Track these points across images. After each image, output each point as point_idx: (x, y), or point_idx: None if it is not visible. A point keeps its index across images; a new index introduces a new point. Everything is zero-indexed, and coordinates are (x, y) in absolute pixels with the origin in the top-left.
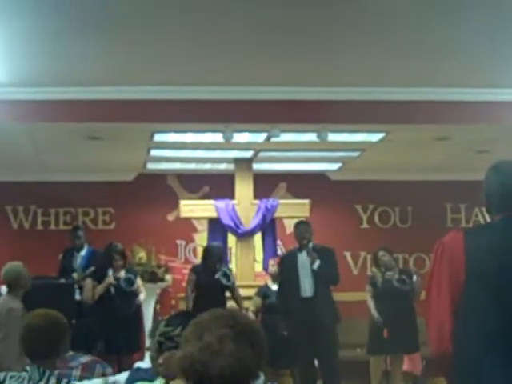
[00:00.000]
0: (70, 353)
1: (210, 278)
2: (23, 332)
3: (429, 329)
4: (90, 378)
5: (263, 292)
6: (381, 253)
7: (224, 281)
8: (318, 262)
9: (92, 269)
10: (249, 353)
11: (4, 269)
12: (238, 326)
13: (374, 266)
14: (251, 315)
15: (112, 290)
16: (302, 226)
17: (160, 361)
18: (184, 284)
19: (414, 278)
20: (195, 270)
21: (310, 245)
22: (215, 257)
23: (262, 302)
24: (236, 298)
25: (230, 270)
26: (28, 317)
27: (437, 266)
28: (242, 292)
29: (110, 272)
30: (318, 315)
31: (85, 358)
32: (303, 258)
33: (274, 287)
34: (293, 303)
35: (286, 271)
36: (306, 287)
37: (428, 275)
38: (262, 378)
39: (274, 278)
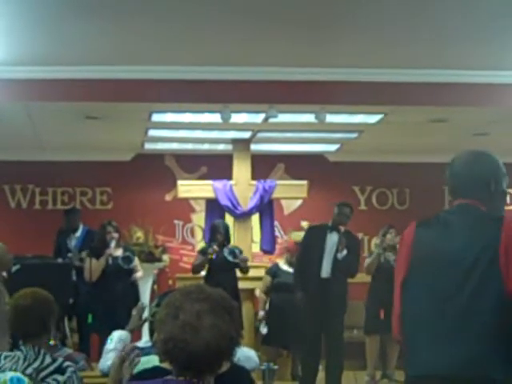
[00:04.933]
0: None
1: (218, 256)
2: (12, 313)
3: None
4: None
5: (273, 271)
6: (390, 230)
7: (230, 258)
8: (344, 253)
9: (85, 254)
10: (228, 322)
11: None
12: (210, 299)
13: (380, 242)
14: (260, 294)
15: (110, 262)
16: (347, 209)
17: (153, 340)
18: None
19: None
20: (202, 250)
21: (342, 229)
22: (220, 233)
23: (271, 280)
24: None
25: (240, 249)
26: (14, 298)
27: (397, 256)
28: (239, 273)
29: (112, 243)
30: (333, 295)
31: (67, 351)
32: (332, 239)
33: (285, 267)
34: (311, 282)
35: (312, 245)
36: (326, 269)
37: None
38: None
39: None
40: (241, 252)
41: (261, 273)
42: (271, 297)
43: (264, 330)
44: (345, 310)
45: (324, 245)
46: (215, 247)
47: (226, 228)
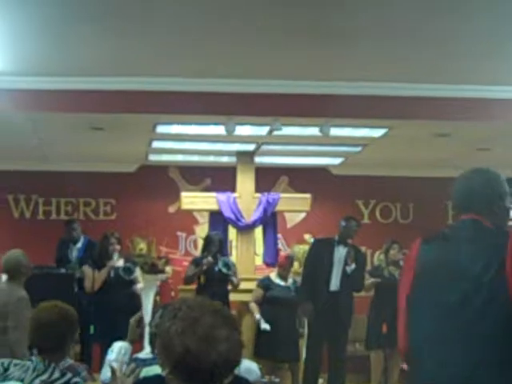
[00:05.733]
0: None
1: (211, 268)
2: (33, 325)
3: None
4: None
5: (265, 284)
6: (393, 246)
7: (225, 270)
8: (353, 266)
9: (86, 267)
10: (237, 332)
11: (4, 257)
12: (219, 311)
13: (384, 258)
14: (252, 306)
15: (111, 273)
16: (354, 223)
17: (156, 351)
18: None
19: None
20: (195, 261)
21: (350, 243)
22: (215, 245)
23: (263, 293)
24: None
25: (233, 262)
26: (38, 310)
27: (402, 274)
28: (242, 285)
29: (115, 255)
30: (342, 309)
31: (69, 362)
32: (340, 252)
33: (277, 280)
34: (320, 295)
35: (320, 259)
36: (335, 282)
37: None
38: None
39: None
40: (234, 265)
41: None
42: (263, 310)
43: (265, 325)
44: (350, 323)
45: (332, 258)
46: (210, 259)
47: (221, 240)
